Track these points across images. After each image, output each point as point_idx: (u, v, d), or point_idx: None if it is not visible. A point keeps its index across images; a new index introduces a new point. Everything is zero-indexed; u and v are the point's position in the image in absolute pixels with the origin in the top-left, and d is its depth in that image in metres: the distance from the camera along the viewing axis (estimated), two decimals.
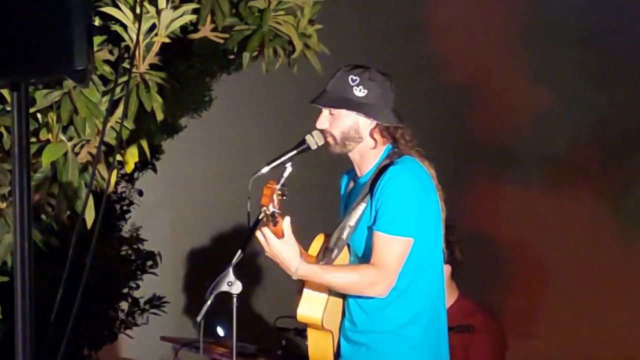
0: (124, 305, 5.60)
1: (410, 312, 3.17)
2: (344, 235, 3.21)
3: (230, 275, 3.02)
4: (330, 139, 3.19)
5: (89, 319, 5.12)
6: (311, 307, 3.24)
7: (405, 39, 6.01)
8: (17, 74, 2.25)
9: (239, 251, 3.06)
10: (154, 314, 5.65)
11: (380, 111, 3.17)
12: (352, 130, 3.18)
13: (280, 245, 3.02)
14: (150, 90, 3.56)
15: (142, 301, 5.65)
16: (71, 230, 3.44)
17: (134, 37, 3.44)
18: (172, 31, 3.56)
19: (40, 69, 2.28)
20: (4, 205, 3.55)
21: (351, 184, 3.36)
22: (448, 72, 6.00)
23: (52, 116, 3.52)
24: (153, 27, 3.53)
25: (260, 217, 3.01)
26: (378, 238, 3.10)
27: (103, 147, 3.53)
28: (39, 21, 2.23)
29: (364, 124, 3.19)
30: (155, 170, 5.62)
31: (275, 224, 2.98)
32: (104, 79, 3.58)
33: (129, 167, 3.75)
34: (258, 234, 3.03)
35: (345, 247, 3.28)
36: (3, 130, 3.53)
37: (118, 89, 3.48)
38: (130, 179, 5.64)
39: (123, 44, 3.57)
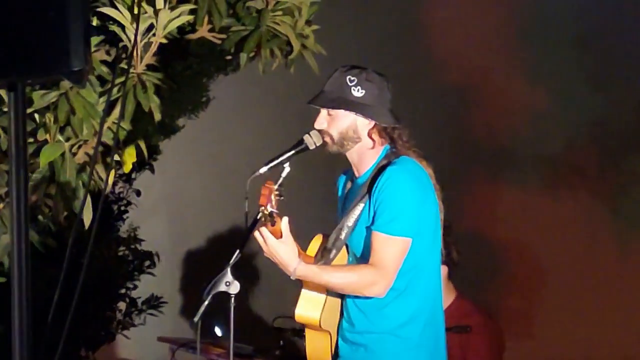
0: (122, 305, 5.61)
1: (408, 312, 3.17)
2: (342, 236, 3.21)
3: (228, 276, 3.02)
4: (328, 139, 3.19)
5: (86, 320, 5.13)
6: (309, 308, 3.24)
7: (402, 39, 6.01)
8: (14, 74, 2.25)
9: (237, 251, 3.06)
10: (152, 314, 5.65)
11: (377, 111, 3.18)
12: (350, 131, 3.18)
13: (278, 245, 3.02)
14: (147, 90, 3.56)
15: (139, 301, 5.65)
16: (68, 231, 3.44)
17: (132, 38, 3.45)
18: (170, 32, 3.57)
19: (38, 70, 2.28)
20: (1, 205, 3.55)
21: (349, 184, 3.36)
22: (445, 73, 6.01)
23: (49, 116, 3.51)
24: (150, 28, 3.53)
25: (258, 217, 3.01)
26: (376, 238, 3.10)
27: (100, 148, 3.53)
28: (36, 21, 2.23)
29: (362, 124, 3.19)
30: (152, 171, 5.63)
31: (273, 224, 2.98)
32: (102, 80, 3.58)
33: (127, 168, 3.75)
34: (256, 234, 3.03)
35: (344, 248, 3.28)
36: (0, 130, 3.53)
37: (115, 90, 3.48)
38: (127, 179, 5.65)
39: (120, 45, 3.57)
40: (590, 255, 5.71)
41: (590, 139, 5.78)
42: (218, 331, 4.86)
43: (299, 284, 3.25)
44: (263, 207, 2.94)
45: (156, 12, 3.49)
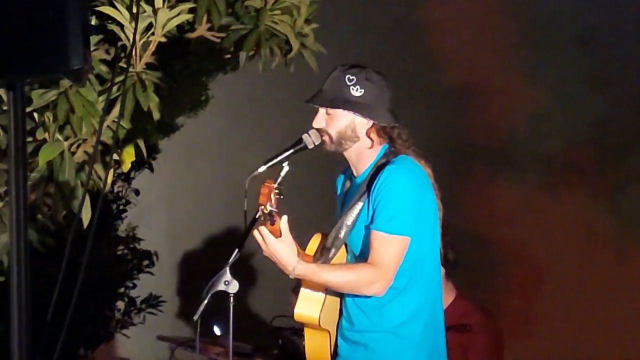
0: (121, 304, 5.60)
1: (408, 311, 3.17)
2: (341, 235, 3.21)
3: (227, 275, 3.02)
4: (326, 138, 3.19)
5: (85, 319, 5.12)
6: (308, 307, 3.23)
7: (401, 39, 6.01)
8: (13, 73, 2.25)
9: (236, 250, 3.06)
10: (151, 313, 5.65)
11: (376, 111, 3.18)
12: (348, 130, 3.18)
13: (277, 244, 3.02)
14: (146, 89, 3.55)
15: (138, 300, 5.65)
16: (67, 230, 3.43)
17: (131, 37, 3.44)
18: (169, 30, 3.56)
19: (37, 69, 2.28)
20: (0, 204, 3.55)
21: (347, 183, 3.36)
22: (444, 72, 6.01)
23: (48, 115, 3.51)
24: (149, 27, 3.53)
25: (257, 216, 3.01)
26: (375, 237, 3.10)
27: (100, 147, 3.53)
28: (36, 20, 2.23)
29: (361, 123, 3.19)
30: (151, 170, 5.62)
31: (272, 223, 2.98)
32: (101, 79, 3.57)
33: (126, 167, 3.74)
34: (255, 233, 3.03)
35: (343, 246, 3.28)
36: None
37: (115, 88, 3.48)
38: (126, 178, 5.64)
39: (120, 44, 3.57)
40: (589, 254, 5.71)
41: (589, 138, 5.78)
42: (217, 330, 4.86)
43: (296, 283, 3.25)
44: (262, 206, 2.93)
45: (155, 11, 3.49)
